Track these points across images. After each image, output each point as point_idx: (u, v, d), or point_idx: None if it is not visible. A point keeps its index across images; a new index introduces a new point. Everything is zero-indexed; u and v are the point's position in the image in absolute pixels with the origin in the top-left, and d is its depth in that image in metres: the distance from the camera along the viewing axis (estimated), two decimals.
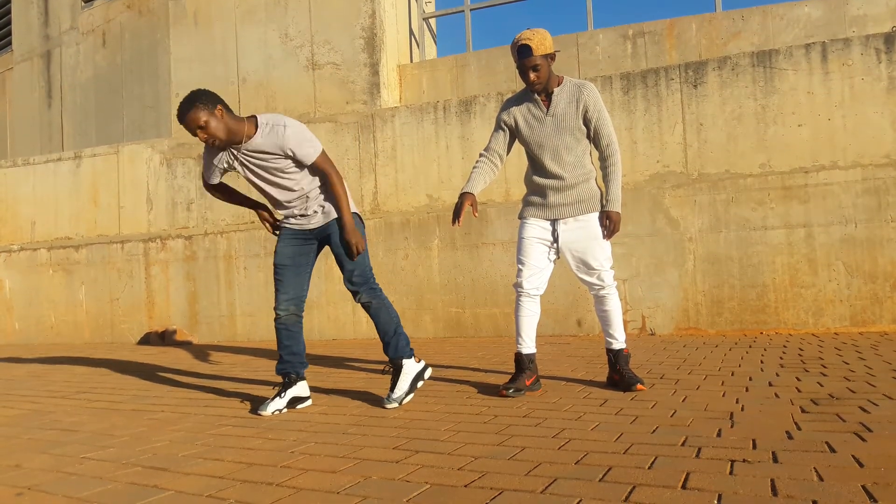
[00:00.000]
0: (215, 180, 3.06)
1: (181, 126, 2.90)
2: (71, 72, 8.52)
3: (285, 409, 2.93)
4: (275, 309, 3.03)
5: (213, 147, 2.86)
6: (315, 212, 3.04)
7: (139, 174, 6.89)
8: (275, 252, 3.06)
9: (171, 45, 7.13)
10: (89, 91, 8.33)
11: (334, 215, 3.03)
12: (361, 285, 3.00)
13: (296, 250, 3.06)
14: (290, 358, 3.02)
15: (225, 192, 3.17)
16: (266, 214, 3.18)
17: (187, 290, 6.59)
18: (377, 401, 3.05)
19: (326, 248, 3.14)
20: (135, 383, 3.99)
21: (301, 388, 3.01)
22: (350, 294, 3.20)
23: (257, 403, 3.10)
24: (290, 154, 2.85)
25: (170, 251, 6.68)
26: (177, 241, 6.66)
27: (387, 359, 3.06)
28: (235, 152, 2.91)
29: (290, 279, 3.03)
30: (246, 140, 2.84)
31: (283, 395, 2.94)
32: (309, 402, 3.04)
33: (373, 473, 1.92)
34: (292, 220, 3.08)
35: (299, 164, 2.92)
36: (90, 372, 4.62)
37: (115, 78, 8.07)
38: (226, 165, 2.96)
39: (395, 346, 3.01)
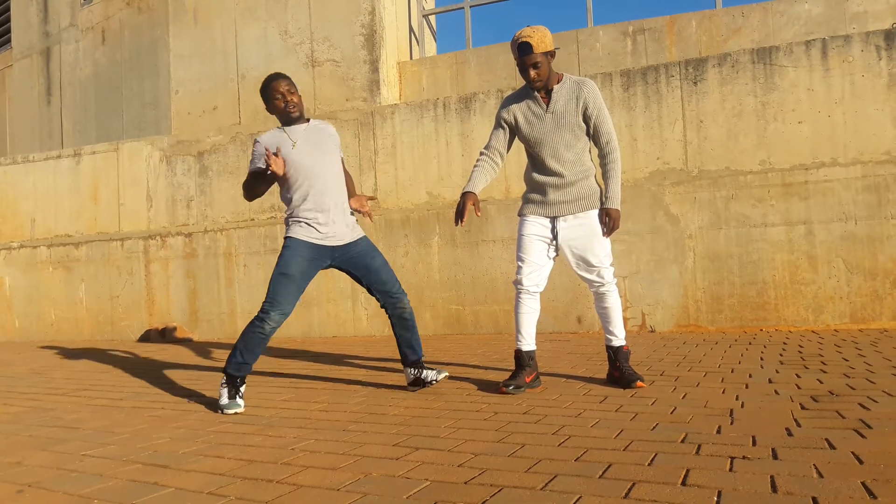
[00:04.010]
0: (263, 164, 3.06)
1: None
2: (70, 69, 8.51)
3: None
4: (266, 315, 2.93)
5: (293, 117, 3.09)
6: (346, 224, 3.15)
7: (139, 171, 6.88)
8: (283, 261, 3.00)
9: (170, 42, 7.12)
10: (89, 88, 8.32)
11: (360, 232, 3.23)
12: (402, 291, 3.24)
13: (306, 266, 3.03)
14: (252, 361, 2.99)
15: (265, 184, 3.15)
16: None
17: (187, 287, 6.59)
18: (378, 398, 3.06)
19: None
20: (135, 380, 4.00)
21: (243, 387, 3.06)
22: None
23: (257, 401, 3.11)
24: (335, 138, 3.24)
25: (170, 248, 6.68)
26: (177, 239, 6.66)
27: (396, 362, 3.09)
28: (291, 133, 3.12)
29: (292, 293, 3.00)
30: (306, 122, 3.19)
31: (240, 395, 2.96)
32: None
33: (373, 470, 1.92)
34: (314, 232, 3.05)
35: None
36: (91, 369, 4.62)
37: (115, 75, 8.06)
38: (276, 150, 3.06)
39: (419, 345, 3.22)
